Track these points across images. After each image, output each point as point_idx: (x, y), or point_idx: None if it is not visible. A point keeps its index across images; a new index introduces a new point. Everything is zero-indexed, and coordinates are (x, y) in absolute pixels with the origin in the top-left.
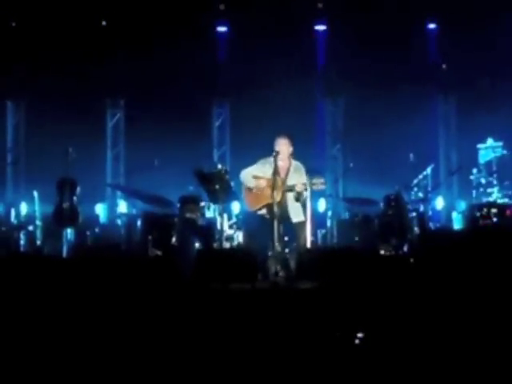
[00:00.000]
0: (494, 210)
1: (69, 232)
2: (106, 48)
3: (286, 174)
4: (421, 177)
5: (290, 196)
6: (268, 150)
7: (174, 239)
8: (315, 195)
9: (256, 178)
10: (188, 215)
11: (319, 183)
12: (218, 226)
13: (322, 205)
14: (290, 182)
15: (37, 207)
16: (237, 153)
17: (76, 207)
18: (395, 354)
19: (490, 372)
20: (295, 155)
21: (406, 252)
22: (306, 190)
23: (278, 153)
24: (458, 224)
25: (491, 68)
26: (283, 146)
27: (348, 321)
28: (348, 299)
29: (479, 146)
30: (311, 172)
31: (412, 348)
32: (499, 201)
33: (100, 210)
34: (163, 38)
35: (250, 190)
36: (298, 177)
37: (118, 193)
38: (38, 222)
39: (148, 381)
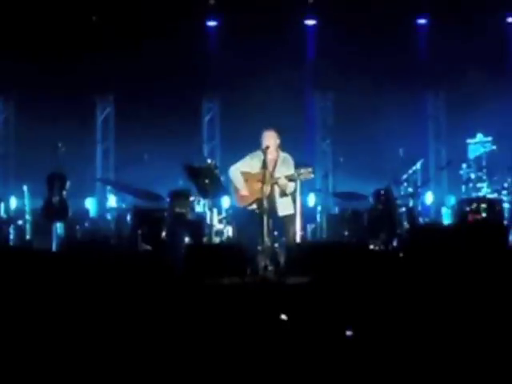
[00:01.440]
0: (483, 205)
1: (58, 226)
2: (96, 43)
3: (274, 167)
4: (410, 172)
5: (278, 189)
6: (257, 144)
7: (163, 234)
8: (305, 190)
9: (244, 174)
10: (178, 210)
11: (307, 172)
12: (208, 221)
13: (311, 199)
14: (277, 175)
15: (26, 201)
16: (227, 147)
17: (65, 201)
18: (385, 348)
19: (482, 367)
20: (285, 149)
21: (396, 247)
22: (292, 181)
23: (268, 147)
24: (447, 219)
25: (481, 63)
26: (270, 138)
27: (338, 315)
28: (337, 294)
29: (468, 141)
30: (299, 165)
31: (402, 343)
32: (488, 196)
33: (90, 204)
34: (153, 33)
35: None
36: (285, 169)
37: (108, 187)
38: (28, 217)
39: (139, 375)
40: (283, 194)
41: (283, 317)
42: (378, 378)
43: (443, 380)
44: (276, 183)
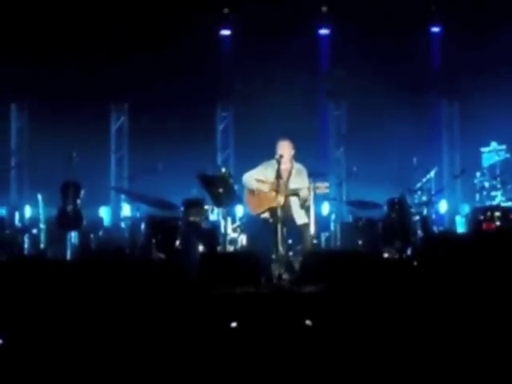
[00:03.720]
0: (497, 214)
1: (73, 235)
2: (111, 52)
3: (288, 177)
4: (424, 180)
5: (294, 199)
6: (271, 154)
7: (177, 242)
8: (318, 198)
9: (258, 181)
10: (192, 218)
11: (323, 187)
12: (222, 230)
13: (325, 208)
14: (292, 185)
15: (41, 210)
16: (240, 156)
17: (80, 210)
18: (399, 356)
19: (493, 374)
20: (298, 158)
21: (410, 255)
22: (310, 194)
23: (282, 156)
24: (461, 227)
25: (495, 71)
26: (285, 148)
27: (352, 324)
28: (352, 302)
29: (483, 149)
30: (314, 175)
31: (416, 351)
32: (503, 204)
33: (104, 213)
34: (167, 42)
35: (252, 193)
36: (300, 180)
37: (122, 196)
38: (42, 225)
39: (153, 382)
40: (303, 205)
41: (308, 322)
42: None
43: None
44: (295, 194)
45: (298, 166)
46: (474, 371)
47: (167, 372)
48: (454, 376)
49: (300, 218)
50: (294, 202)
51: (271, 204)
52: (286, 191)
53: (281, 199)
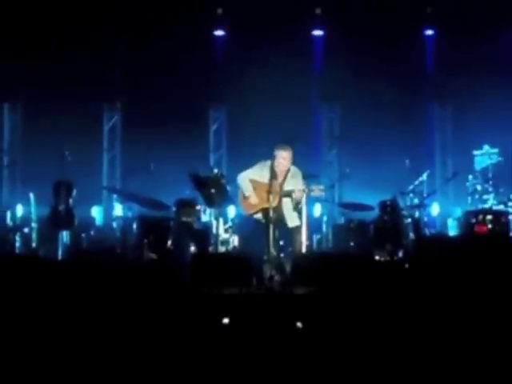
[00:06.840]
0: (489, 217)
1: (64, 234)
2: (104, 51)
3: (284, 179)
4: (416, 183)
5: (286, 201)
6: (264, 154)
7: (169, 243)
8: (311, 200)
9: (252, 182)
10: (184, 219)
11: (318, 190)
12: (214, 230)
13: (317, 210)
14: (286, 187)
15: (33, 209)
16: (233, 157)
17: (72, 210)
18: (390, 358)
19: (484, 376)
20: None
21: (401, 258)
22: (303, 196)
23: (275, 157)
24: (453, 230)
25: (487, 75)
26: (290, 157)
27: (343, 325)
28: (343, 305)
29: (475, 152)
30: (308, 177)
31: (407, 353)
32: (495, 207)
33: (96, 212)
34: (161, 42)
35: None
36: (294, 182)
37: (114, 196)
38: (34, 224)
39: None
40: (296, 207)
41: (298, 324)
42: None
43: None
44: (288, 195)
45: (294, 168)
46: (466, 370)
47: (156, 370)
48: (445, 376)
49: (291, 220)
50: (287, 203)
51: (264, 205)
52: (279, 192)
53: (274, 200)
